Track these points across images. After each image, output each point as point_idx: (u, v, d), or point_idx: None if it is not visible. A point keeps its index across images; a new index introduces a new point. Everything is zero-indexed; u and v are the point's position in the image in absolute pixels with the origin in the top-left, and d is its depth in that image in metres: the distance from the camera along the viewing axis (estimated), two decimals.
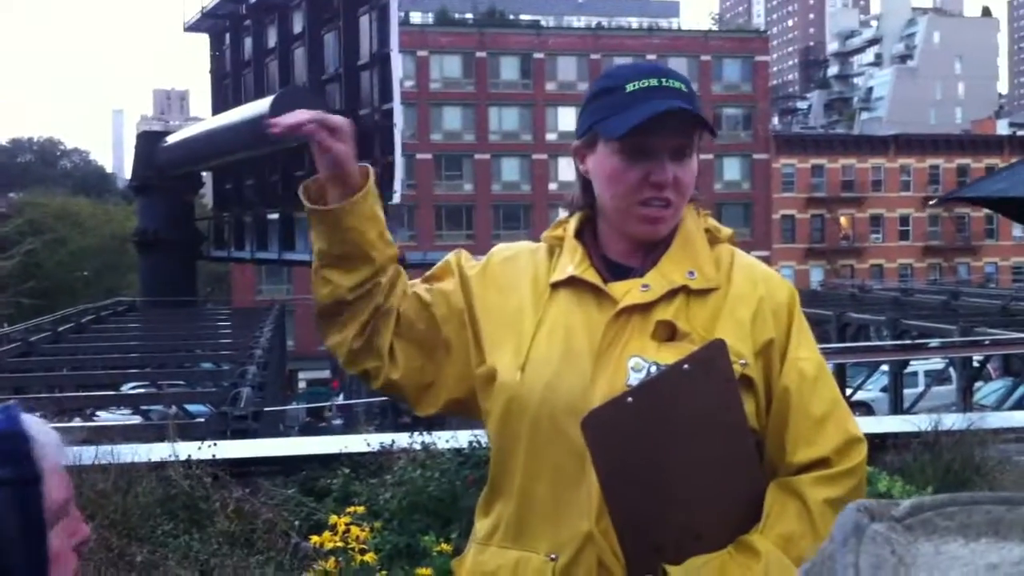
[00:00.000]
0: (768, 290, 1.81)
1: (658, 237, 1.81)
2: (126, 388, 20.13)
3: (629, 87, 1.77)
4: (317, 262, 1.86)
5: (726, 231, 1.89)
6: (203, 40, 40.33)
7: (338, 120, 1.82)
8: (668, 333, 1.74)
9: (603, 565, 1.70)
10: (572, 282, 1.81)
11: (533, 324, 1.81)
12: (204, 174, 40.82)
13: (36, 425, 1.31)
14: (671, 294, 1.76)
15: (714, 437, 1.69)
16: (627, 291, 1.77)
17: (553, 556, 1.73)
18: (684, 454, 1.67)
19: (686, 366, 1.66)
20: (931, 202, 59.66)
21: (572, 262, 1.83)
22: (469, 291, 1.89)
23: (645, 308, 1.76)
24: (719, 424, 1.69)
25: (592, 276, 1.80)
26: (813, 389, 1.75)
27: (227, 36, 37.84)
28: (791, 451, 1.73)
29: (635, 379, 1.70)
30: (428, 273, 1.96)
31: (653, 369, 1.70)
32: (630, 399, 1.65)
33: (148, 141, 38.74)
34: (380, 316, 1.87)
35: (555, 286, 1.83)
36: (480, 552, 1.84)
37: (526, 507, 1.77)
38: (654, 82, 1.77)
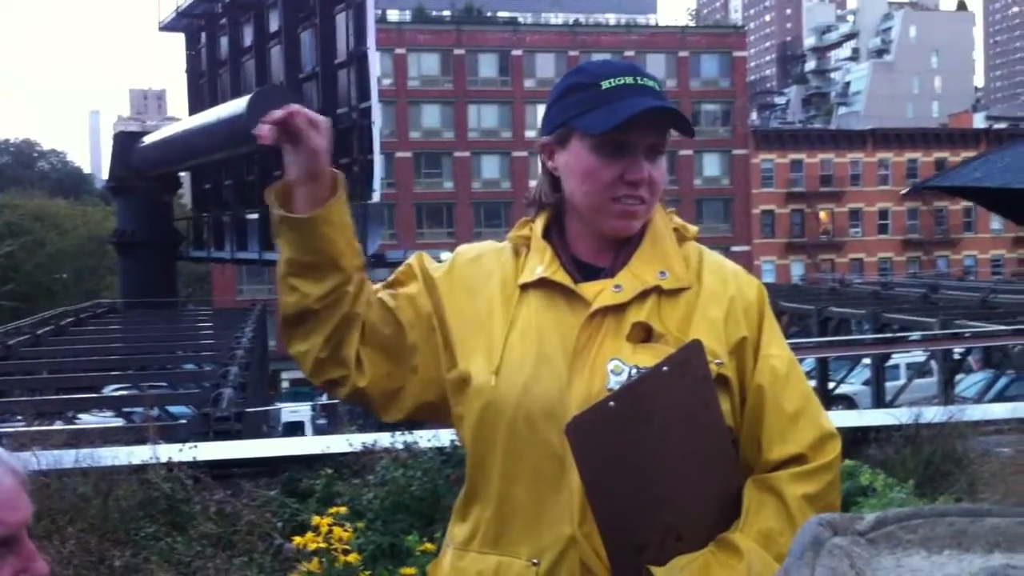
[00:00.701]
0: (738, 288, 1.81)
1: (631, 233, 1.81)
2: (107, 390, 20.00)
3: (605, 84, 1.77)
4: (284, 270, 1.80)
5: (693, 229, 1.89)
6: (179, 39, 40.12)
7: (317, 115, 1.79)
8: (644, 334, 1.73)
9: (586, 568, 1.69)
10: (542, 283, 1.79)
11: (504, 327, 1.79)
12: (182, 174, 40.62)
13: None
14: (643, 294, 1.76)
15: (694, 437, 1.69)
16: (599, 292, 1.76)
17: (535, 560, 1.72)
18: (666, 455, 1.67)
19: (665, 368, 1.66)
20: (902, 192, 59.95)
21: (541, 263, 1.81)
22: (436, 293, 1.86)
23: (618, 309, 1.75)
24: (698, 424, 1.69)
25: (562, 277, 1.79)
26: (785, 386, 1.76)
27: (203, 35, 37.64)
28: (766, 448, 1.74)
29: (615, 382, 1.69)
30: (390, 278, 1.92)
31: (633, 372, 1.69)
32: (612, 403, 1.64)
33: (125, 142, 38.48)
34: (346, 325, 1.82)
35: (524, 287, 1.81)
36: (459, 558, 1.81)
37: (505, 511, 1.76)
38: (629, 80, 1.77)
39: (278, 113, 1.75)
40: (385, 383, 1.86)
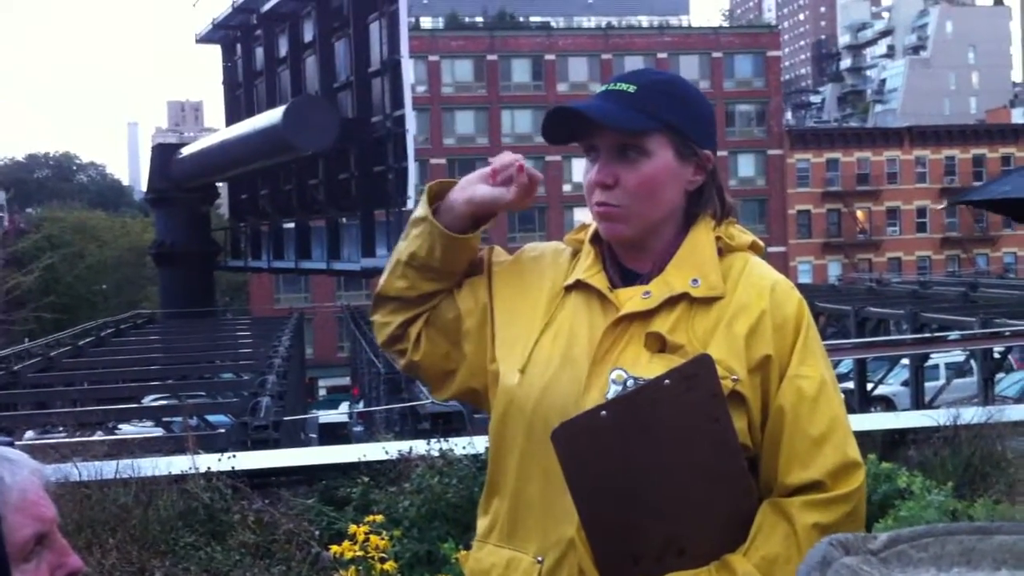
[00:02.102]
0: (774, 303, 1.74)
1: (615, 238, 1.80)
2: (147, 400, 20.21)
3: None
4: (406, 259, 1.89)
5: (742, 239, 1.83)
6: (215, 51, 40.51)
7: (537, 176, 1.88)
8: (659, 344, 1.71)
9: (583, 572, 1.70)
10: (581, 286, 1.81)
11: (540, 326, 1.81)
12: (220, 185, 40.98)
13: (3, 460, 1.30)
14: (672, 302, 1.73)
15: (699, 453, 1.65)
16: (629, 298, 1.76)
17: (540, 559, 1.74)
18: (666, 468, 1.64)
19: (667, 381, 1.63)
20: (941, 206, 59.40)
21: (584, 266, 1.82)
22: (492, 287, 1.91)
23: (646, 316, 1.73)
24: (705, 440, 1.65)
25: (599, 281, 1.79)
26: (812, 409, 1.69)
27: (238, 47, 37.99)
28: (784, 472, 1.68)
29: (614, 392, 1.68)
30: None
31: (630, 383, 1.68)
32: (604, 412, 1.63)
33: (163, 153, 38.96)
34: (422, 312, 1.92)
35: (567, 289, 1.82)
36: (478, 548, 1.85)
37: (519, 508, 1.78)
38: (605, 87, 1.82)
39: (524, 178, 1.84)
40: (442, 363, 1.93)
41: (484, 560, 1.83)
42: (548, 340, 1.78)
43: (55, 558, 1.33)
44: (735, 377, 1.68)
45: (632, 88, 1.78)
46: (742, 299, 1.74)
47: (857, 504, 1.69)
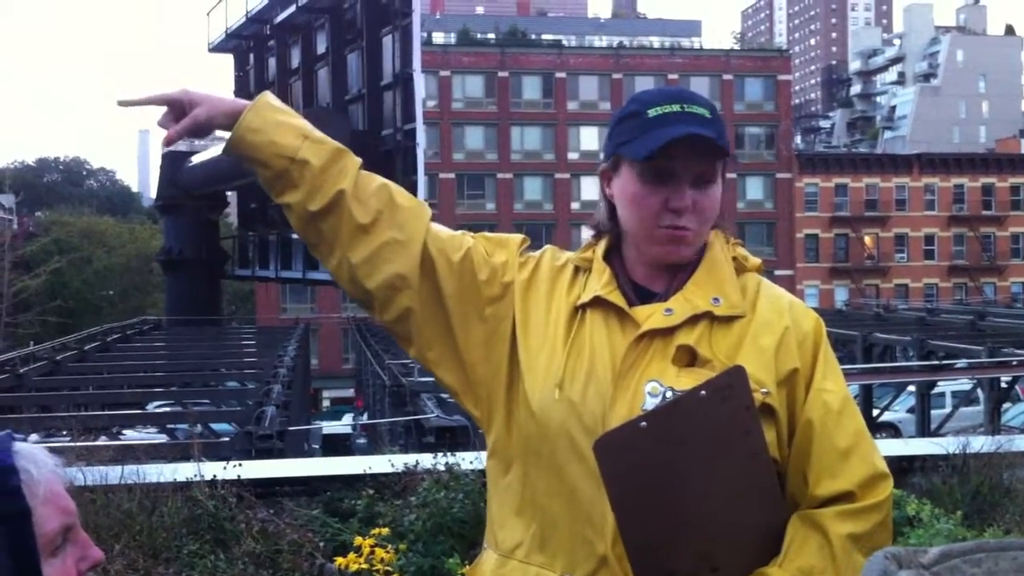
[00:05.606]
0: (794, 320, 1.79)
1: (679, 260, 1.81)
2: (152, 407, 20.19)
3: (651, 112, 1.78)
4: (274, 199, 1.88)
5: (754, 261, 1.87)
6: (228, 61, 40.62)
7: (173, 99, 1.87)
8: (688, 358, 1.73)
9: None
10: (598, 303, 1.80)
11: (565, 342, 1.79)
12: (229, 193, 41.04)
13: (28, 455, 1.32)
14: (694, 319, 1.75)
15: (732, 465, 1.66)
16: (650, 315, 1.76)
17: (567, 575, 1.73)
18: (701, 481, 1.65)
19: (703, 392, 1.64)
20: None
21: (599, 283, 1.82)
22: (514, 289, 1.87)
23: (667, 332, 1.75)
24: (737, 452, 1.66)
25: (617, 298, 1.79)
26: (838, 422, 1.73)
27: (251, 56, 38.08)
28: (814, 483, 1.71)
29: (651, 404, 1.69)
30: (492, 236, 1.95)
31: (669, 394, 1.69)
32: (644, 424, 1.63)
33: (173, 161, 38.94)
34: (357, 226, 1.87)
35: (583, 307, 1.82)
36: (501, 564, 1.82)
37: (546, 524, 1.77)
38: (676, 107, 1.78)
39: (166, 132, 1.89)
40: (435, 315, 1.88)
41: None
42: (574, 357, 1.77)
43: (78, 551, 1.37)
44: (765, 390, 1.71)
45: (707, 113, 1.78)
46: (764, 316, 1.77)
47: (887, 514, 1.72)
